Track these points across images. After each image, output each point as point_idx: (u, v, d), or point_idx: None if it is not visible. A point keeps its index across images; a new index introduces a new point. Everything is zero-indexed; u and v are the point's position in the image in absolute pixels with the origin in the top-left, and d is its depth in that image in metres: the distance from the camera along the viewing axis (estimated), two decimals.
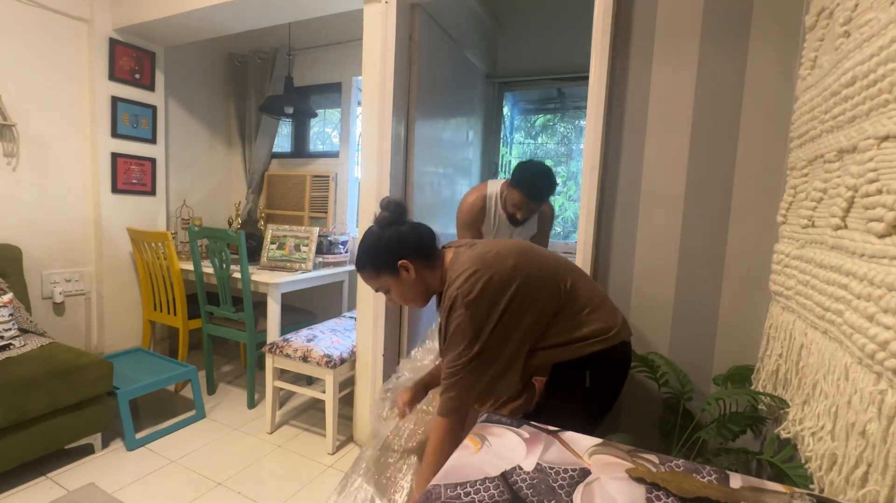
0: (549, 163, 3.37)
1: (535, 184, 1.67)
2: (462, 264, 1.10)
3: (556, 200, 3.35)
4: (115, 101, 2.61)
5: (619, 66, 1.52)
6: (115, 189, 2.65)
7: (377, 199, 1.96)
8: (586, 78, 1.56)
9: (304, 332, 2.22)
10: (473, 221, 1.90)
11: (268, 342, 2.24)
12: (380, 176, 1.95)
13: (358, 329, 2.07)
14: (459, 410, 1.10)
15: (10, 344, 1.91)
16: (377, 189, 1.95)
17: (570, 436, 0.84)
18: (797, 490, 0.68)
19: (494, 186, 1.92)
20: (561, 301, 1.12)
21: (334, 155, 3.20)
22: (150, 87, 2.79)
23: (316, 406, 2.49)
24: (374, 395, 1.70)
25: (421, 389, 1.41)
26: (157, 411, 2.33)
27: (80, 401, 1.86)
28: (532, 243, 1.24)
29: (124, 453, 1.97)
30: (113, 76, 2.59)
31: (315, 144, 3.46)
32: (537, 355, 1.14)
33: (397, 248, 1.16)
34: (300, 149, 3.39)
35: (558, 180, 3.41)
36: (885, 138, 0.71)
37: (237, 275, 2.36)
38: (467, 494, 0.67)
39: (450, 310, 1.08)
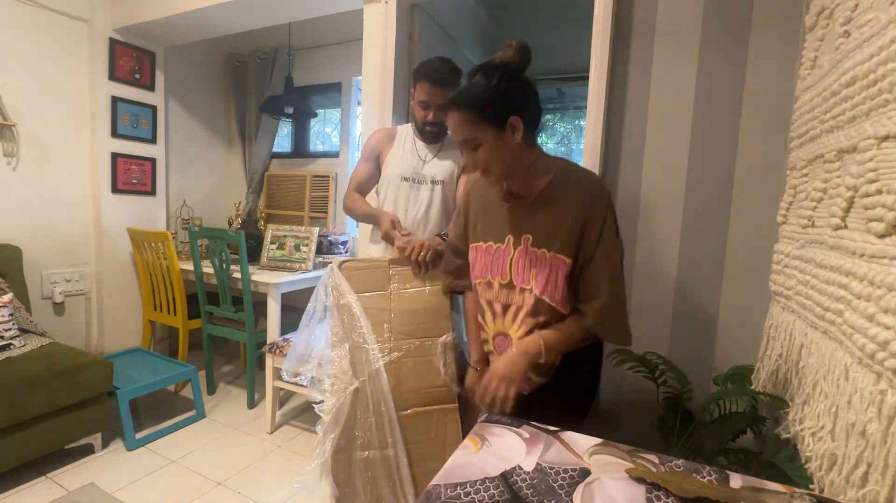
0: None
1: (431, 67, 1.53)
2: (579, 168, 1.07)
3: None
4: (115, 100, 2.61)
5: (619, 66, 1.51)
6: (115, 189, 2.65)
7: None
8: (586, 78, 1.56)
9: (305, 332, 2.22)
10: (377, 145, 1.70)
11: (268, 342, 2.24)
12: None
13: None
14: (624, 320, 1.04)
15: (10, 344, 1.91)
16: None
17: (570, 436, 0.84)
18: (797, 490, 0.68)
19: (406, 124, 1.77)
20: None
21: (334, 155, 3.20)
22: (150, 87, 2.79)
23: None
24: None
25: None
26: (157, 411, 2.33)
27: (80, 401, 1.86)
28: None
29: (124, 453, 1.97)
30: (113, 76, 2.59)
31: (315, 144, 3.46)
32: None
33: (517, 101, 0.96)
34: (300, 149, 3.39)
35: None
36: (885, 138, 0.71)
37: (237, 275, 2.36)
38: (467, 494, 0.67)
39: (594, 207, 0.98)
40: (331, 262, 1.42)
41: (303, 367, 1.40)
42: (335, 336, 1.31)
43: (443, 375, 1.29)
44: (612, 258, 1.00)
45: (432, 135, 1.61)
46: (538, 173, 1.03)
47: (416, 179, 1.62)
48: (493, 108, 0.95)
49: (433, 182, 1.62)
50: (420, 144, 1.65)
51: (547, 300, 1.02)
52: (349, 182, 1.71)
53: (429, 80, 1.51)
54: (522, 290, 1.05)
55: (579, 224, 0.99)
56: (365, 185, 1.72)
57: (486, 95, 0.95)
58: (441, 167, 1.63)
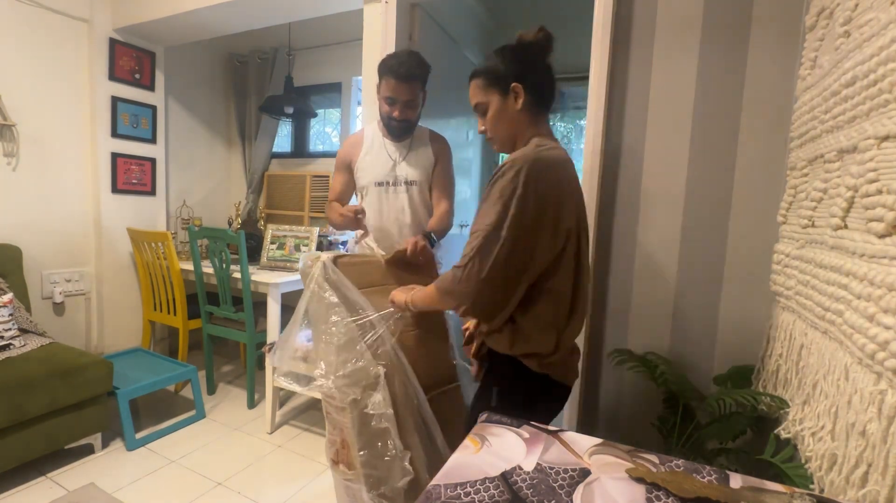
0: None
1: (398, 59, 1.48)
2: (546, 140, 1.03)
3: None
4: (115, 100, 2.61)
5: (619, 65, 1.51)
6: (115, 189, 2.66)
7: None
8: (586, 78, 1.56)
9: (305, 332, 2.22)
10: (347, 155, 1.68)
11: (268, 342, 2.24)
12: None
13: None
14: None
15: (10, 344, 1.91)
16: None
17: (571, 436, 0.84)
18: (797, 490, 0.68)
19: (372, 123, 1.73)
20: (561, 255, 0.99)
21: (334, 155, 3.18)
22: (150, 87, 2.79)
23: (316, 406, 2.48)
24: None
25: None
26: (157, 411, 2.33)
27: (80, 401, 1.86)
28: None
29: (124, 453, 1.97)
30: (113, 76, 2.59)
31: (315, 144, 3.46)
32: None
33: (522, 69, 1.05)
34: (300, 149, 3.39)
35: None
36: (886, 138, 0.71)
37: (237, 275, 2.36)
38: (467, 494, 0.66)
39: (496, 173, 0.97)
40: (309, 253, 1.36)
41: (297, 363, 1.39)
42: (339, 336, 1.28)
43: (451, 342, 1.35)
44: (480, 221, 0.96)
45: (399, 130, 1.57)
46: (528, 147, 1.02)
47: (390, 181, 1.61)
48: (498, 74, 1.06)
49: (407, 183, 1.61)
50: (389, 144, 1.62)
51: None
52: (329, 195, 1.73)
53: (395, 74, 1.46)
54: None
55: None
56: (342, 196, 1.72)
57: (495, 63, 1.07)
58: (413, 167, 1.62)
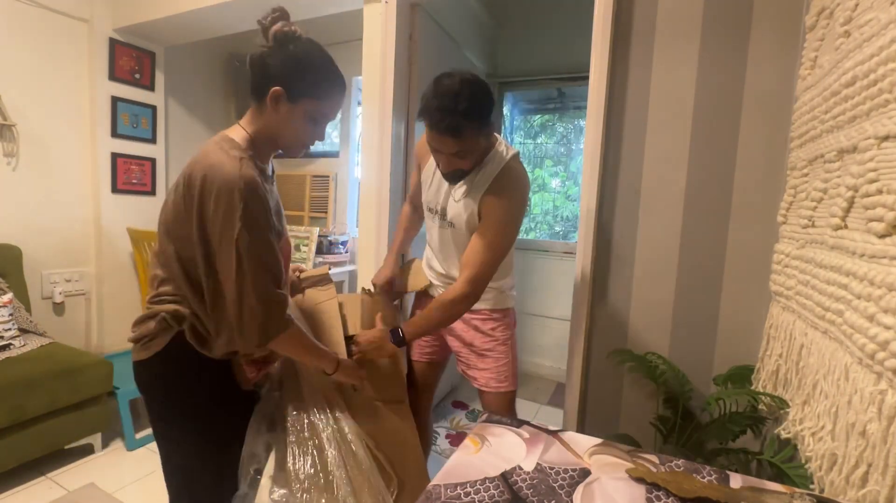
0: (548, 163, 3.39)
1: (437, 100, 1.09)
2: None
3: (556, 199, 3.35)
4: (115, 101, 2.61)
5: (619, 66, 1.51)
6: (115, 189, 2.65)
7: (377, 199, 1.97)
8: (586, 78, 1.56)
9: None
10: (418, 155, 1.43)
11: None
12: (380, 176, 1.94)
13: None
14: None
15: (10, 344, 1.91)
16: (377, 189, 1.95)
17: (571, 436, 0.84)
18: (797, 490, 0.68)
19: None
20: None
21: (334, 155, 3.20)
22: (150, 87, 2.79)
23: None
24: None
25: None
26: None
27: (80, 401, 1.86)
28: None
29: (124, 453, 1.97)
30: (113, 76, 2.59)
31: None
32: None
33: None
34: None
35: (556, 180, 3.42)
36: (886, 138, 0.71)
37: None
38: (467, 494, 0.66)
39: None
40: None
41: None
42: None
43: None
44: (238, 267, 0.88)
45: (450, 178, 1.25)
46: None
47: (437, 211, 1.34)
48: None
49: (449, 222, 1.32)
50: None
51: None
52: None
53: (432, 125, 1.12)
54: None
55: None
56: (415, 198, 1.49)
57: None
58: (458, 211, 1.28)
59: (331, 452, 1.08)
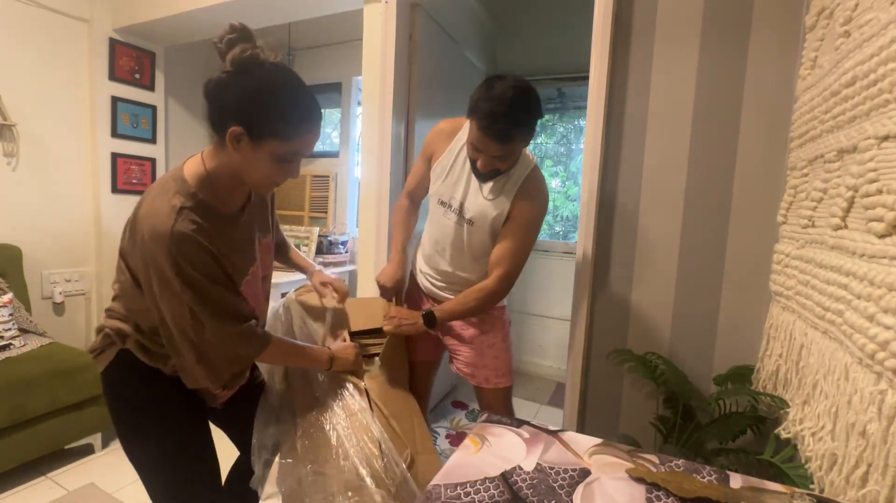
0: (548, 163, 3.39)
1: (488, 103, 1.08)
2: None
3: (556, 199, 3.35)
4: (115, 100, 2.61)
5: (619, 66, 1.51)
6: (115, 189, 2.65)
7: (377, 199, 1.97)
8: (586, 78, 1.56)
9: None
10: (431, 143, 1.36)
11: None
12: (380, 176, 1.95)
13: None
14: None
15: (10, 344, 1.91)
16: (377, 189, 1.95)
17: (571, 436, 0.84)
18: (797, 490, 0.68)
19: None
20: None
21: (334, 155, 3.20)
22: (150, 87, 2.79)
23: None
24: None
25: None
26: None
27: (80, 401, 1.86)
28: None
29: (124, 453, 1.96)
30: (113, 76, 2.59)
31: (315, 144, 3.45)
32: None
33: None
34: None
35: (556, 180, 3.42)
36: (886, 138, 0.71)
37: None
38: (467, 494, 0.67)
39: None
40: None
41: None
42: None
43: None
44: (194, 321, 0.84)
45: (483, 177, 1.23)
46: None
47: (452, 206, 1.29)
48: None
49: (467, 220, 1.28)
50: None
51: None
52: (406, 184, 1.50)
53: (482, 128, 1.10)
54: None
55: None
56: (416, 191, 1.46)
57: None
58: (482, 208, 1.25)
59: (340, 424, 1.09)
